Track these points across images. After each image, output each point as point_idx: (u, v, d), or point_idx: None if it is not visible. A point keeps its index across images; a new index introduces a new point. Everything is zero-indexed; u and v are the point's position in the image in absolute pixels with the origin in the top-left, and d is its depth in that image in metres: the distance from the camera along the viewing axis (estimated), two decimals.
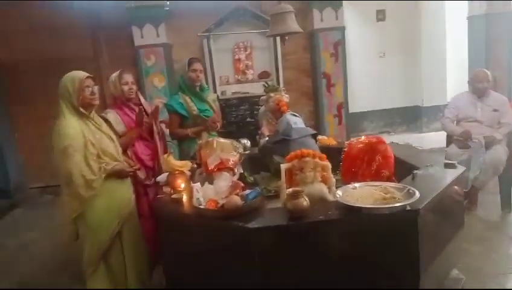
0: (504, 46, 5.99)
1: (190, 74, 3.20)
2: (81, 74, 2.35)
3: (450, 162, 2.31)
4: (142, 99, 3.07)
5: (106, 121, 2.65)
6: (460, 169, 2.26)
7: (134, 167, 2.58)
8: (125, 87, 2.88)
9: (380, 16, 7.14)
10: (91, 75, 2.38)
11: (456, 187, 2.16)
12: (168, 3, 5.73)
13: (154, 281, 2.74)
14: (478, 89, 3.75)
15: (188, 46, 5.97)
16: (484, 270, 2.81)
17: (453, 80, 7.05)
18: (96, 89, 2.38)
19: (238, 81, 6.16)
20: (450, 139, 3.98)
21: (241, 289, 1.83)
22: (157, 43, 5.81)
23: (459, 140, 3.71)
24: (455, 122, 3.89)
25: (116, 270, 2.48)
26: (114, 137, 2.51)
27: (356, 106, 6.98)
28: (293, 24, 2.67)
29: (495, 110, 3.70)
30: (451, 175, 2.15)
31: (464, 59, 6.48)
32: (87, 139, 2.28)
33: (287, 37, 2.76)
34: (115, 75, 2.91)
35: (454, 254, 2.30)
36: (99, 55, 5.98)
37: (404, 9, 7.04)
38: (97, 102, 2.40)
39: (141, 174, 2.79)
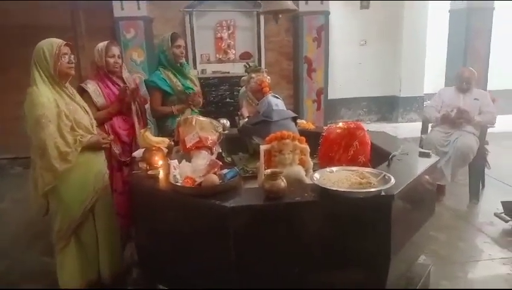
0: (483, 40, 6.11)
1: (174, 49, 3.11)
2: (59, 40, 2.26)
3: (424, 151, 2.35)
4: (126, 74, 2.98)
5: (83, 92, 2.57)
6: (434, 158, 2.31)
7: (108, 138, 2.52)
8: (111, 60, 2.80)
9: (364, 3, 7.15)
10: (69, 43, 2.29)
11: (429, 176, 2.21)
12: None
13: (126, 257, 2.72)
14: (462, 87, 3.92)
15: (169, 21, 5.85)
16: (450, 258, 2.91)
17: (431, 72, 7.16)
18: (73, 58, 2.29)
19: (219, 60, 6.09)
20: (425, 126, 4.16)
21: (215, 267, 1.84)
22: (137, 16, 5.66)
23: (447, 118, 3.82)
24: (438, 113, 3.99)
25: (87, 244, 2.44)
26: (88, 109, 2.44)
27: (335, 92, 7.02)
28: (288, 1, 2.60)
29: (476, 99, 3.87)
30: (425, 164, 2.19)
31: (443, 52, 6.59)
32: (61, 110, 2.20)
33: (280, 15, 2.68)
34: (101, 45, 2.81)
35: (423, 240, 2.38)
36: (76, 24, 5.78)
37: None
38: (73, 72, 2.31)
39: (116, 149, 2.74)
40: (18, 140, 2.26)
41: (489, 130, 3.95)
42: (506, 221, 3.32)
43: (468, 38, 6.10)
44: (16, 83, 4.96)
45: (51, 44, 2.23)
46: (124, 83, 2.90)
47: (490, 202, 3.75)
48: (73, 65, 2.29)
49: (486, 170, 4.02)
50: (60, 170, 2.19)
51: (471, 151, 3.74)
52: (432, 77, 7.17)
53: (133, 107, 2.85)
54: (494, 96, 4.02)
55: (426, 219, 2.26)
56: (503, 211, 3.39)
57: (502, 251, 2.98)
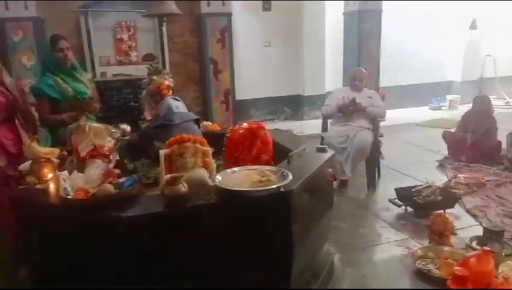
0: (374, 41, 6.63)
1: (56, 53, 2.89)
2: None
3: (321, 146, 2.48)
4: (8, 79, 2.70)
5: None
6: (330, 153, 2.44)
7: None
8: None
9: (266, 5, 7.34)
10: None
11: (326, 169, 2.33)
12: None
13: (21, 279, 2.47)
14: (356, 85, 4.22)
15: (62, 22, 5.43)
16: (353, 244, 3.10)
17: (331, 72, 7.59)
18: None
19: (120, 63, 5.83)
20: (325, 125, 4.38)
21: (117, 283, 1.74)
22: (25, 17, 5.19)
23: (344, 108, 4.07)
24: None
25: None
26: None
27: (243, 93, 7.12)
28: (171, 5, 2.58)
29: (369, 97, 4.21)
30: (322, 158, 2.31)
31: (338, 54, 7.02)
32: None
33: (165, 18, 2.65)
34: None
35: (325, 230, 2.50)
36: None
37: (288, 1, 7.33)
38: None
39: (0, 161, 2.48)
40: None
41: (382, 123, 4.30)
42: (399, 206, 3.63)
43: (361, 39, 6.58)
44: None
45: None
46: (6, 89, 2.63)
47: (386, 189, 4.04)
48: None
49: (381, 160, 4.36)
50: None
51: (367, 146, 4.02)
52: (332, 76, 7.59)
53: (17, 117, 2.60)
54: (384, 92, 4.41)
55: (326, 210, 2.39)
56: (396, 197, 3.70)
57: (396, 233, 3.24)
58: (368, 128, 4.10)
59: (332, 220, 2.73)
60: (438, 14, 8.12)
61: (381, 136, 4.35)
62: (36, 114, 2.89)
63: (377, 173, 4.30)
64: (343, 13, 6.87)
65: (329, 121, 4.41)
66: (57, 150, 2.18)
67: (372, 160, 4.20)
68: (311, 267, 2.34)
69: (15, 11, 5.15)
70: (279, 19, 7.37)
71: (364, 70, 4.40)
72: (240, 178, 1.90)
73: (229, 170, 2.01)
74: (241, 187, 1.80)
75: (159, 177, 2.07)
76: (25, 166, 2.13)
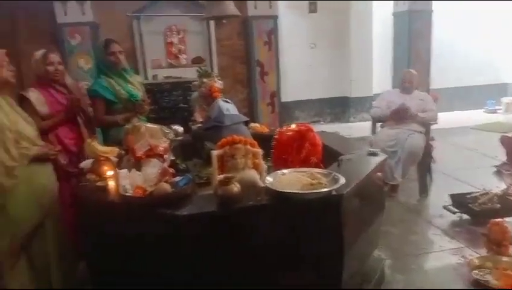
0: (424, 41, 6.43)
1: (108, 57, 3.02)
2: None
3: (373, 150, 2.43)
4: (69, 81, 2.86)
5: (23, 100, 2.44)
6: (382, 157, 2.39)
7: (55, 149, 2.41)
8: (51, 68, 2.68)
9: (312, 7, 7.31)
10: (6, 51, 2.18)
11: (378, 174, 2.28)
12: None
13: (79, 275, 2.60)
14: (406, 88, 4.11)
15: (116, 27, 5.65)
16: (404, 251, 3.01)
17: (380, 73, 7.43)
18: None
19: (171, 66, 5.99)
20: (374, 127, 4.28)
21: (171, 279, 1.79)
22: (82, 22, 5.46)
23: (395, 114, 3.96)
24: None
25: (38, 263, 2.31)
26: (30, 119, 2.32)
27: (288, 95, 7.12)
28: (230, 6, 2.58)
29: (420, 100, 4.08)
30: (373, 162, 2.26)
31: (387, 55, 6.86)
32: (3, 123, 2.08)
33: (224, 21, 2.66)
34: (39, 53, 2.69)
35: (375, 236, 2.45)
36: (16, 30, 5.47)
37: (334, 2, 7.25)
38: (14, 79, 2.20)
39: (62, 159, 2.62)
40: None
41: (434, 126, 4.14)
42: (454, 213, 3.48)
43: (411, 39, 6.40)
44: None
45: None
46: (68, 90, 2.79)
47: (439, 195, 3.90)
48: (13, 73, 2.18)
49: (432, 165, 4.21)
50: (7, 186, 2.08)
51: (419, 150, 3.89)
52: (379, 78, 7.43)
53: (80, 116, 2.74)
54: (437, 94, 4.25)
55: (377, 215, 2.34)
56: (451, 203, 3.55)
57: (451, 241, 3.12)
58: (420, 132, 3.96)
59: (383, 225, 2.67)
60: (491, 13, 7.77)
61: (433, 139, 4.20)
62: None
63: (428, 178, 4.15)
64: (393, 13, 6.71)
65: (378, 123, 4.31)
66: (116, 149, 2.29)
67: (424, 164, 4.06)
68: (361, 273, 2.30)
69: (73, 16, 5.43)
70: (325, 20, 7.32)
71: (414, 72, 4.25)
72: (290, 180, 1.90)
73: (279, 172, 2.02)
74: (292, 189, 1.80)
75: (210, 177, 2.11)
76: (85, 164, 2.25)
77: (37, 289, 2.31)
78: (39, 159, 2.25)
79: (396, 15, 6.66)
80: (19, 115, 2.24)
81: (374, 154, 2.38)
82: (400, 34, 6.59)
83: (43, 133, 2.54)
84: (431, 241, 3.19)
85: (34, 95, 2.61)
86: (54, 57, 2.72)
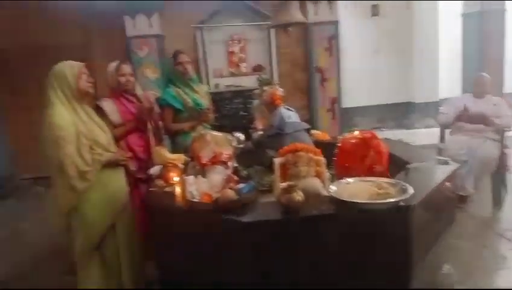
0: (496, 43, 6.03)
1: (177, 67, 3.15)
2: (78, 62, 2.33)
3: (443, 158, 2.32)
4: (140, 91, 3.02)
5: (98, 109, 2.61)
6: (453, 166, 2.27)
7: (126, 156, 2.55)
8: (122, 79, 2.84)
9: (375, 10, 7.13)
10: (85, 64, 2.36)
11: (448, 184, 2.17)
12: None
13: (147, 275, 2.72)
14: (478, 92, 3.93)
15: (180, 38, 5.91)
16: (475, 267, 2.83)
17: (448, 77, 7.07)
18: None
19: (232, 74, 6.12)
20: (443, 134, 4.09)
21: (234, 283, 1.83)
22: (150, 34, 5.77)
23: (463, 115, 3.79)
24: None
25: (109, 260, 2.46)
26: (105, 128, 2.48)
27: (349, 101, 6.98)
28: (297, 14, 2.57)
29: (494, 105, 3.86)
30: (444, 171, 2.15)
31: (456, 57, 6.51)
32: (80, 130, 2.24)
33: (290, 28, 2.65)
34: (113, 65, 2.86)
35: (445, 249, 2.33)
36: (89, 44, 5.88)
37: (397, 5, 7.03)
38: (93, 90, 2.36)
39: (132, 166, 2.76)
40: (38, 160, 2.31)
41: (508, 133, 3.87)
42: None
43: (483, 41, 6.03)
44: (32, 104, 5.11)
45: (72, 66, 2.30)
46: (139, 100, 2.94)
47: None
48: (91, 84, 2.35)
49: (507, 174, 3.93)
50: (80, 189, 2.23)
51: (493, 159, 3.66)
52: (446, 82, 7.07)
53: (149, 124, 2.88)
54: (510, 100, 3.98)
55: (447, 228, 2.22)
56: None
57: None
58: (493, 139, 3.71)
59: (453, 238, 2.54)
60: None
61: (507, 147, 3.91)
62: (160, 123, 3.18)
63: (503, 189, 3.87)
64: (462, 14, 6.37)
65: (447, 130, 4.10)
66: (183, 156, 2.38)
67: (498, 174, 3.79)
68: (429, 287, 2.20)
69: (141, 29, 5.76)
70: (388, 24, 7.10)
71: (488, 77, 4.01)
72: (356, 189, 1.86)
73: (343, 181, 1.99)
74: (357, 199, 1.76)
75: (272, 185, 2.13)
76: (154, 170, 2.36)
77: (110, 289, 2.44)
78: (111, 165, 2.40)
79: (466, 16, 6.31)
80: (96, 123, 2.39)
81: (445, 162, 2.26)
82: (470, 36, 6.23)
83: (116, 141, 2.69)
84: (503, 257, 2.98)
85: (107, 105, 2.78)
86: (126, 68, 2.87)
